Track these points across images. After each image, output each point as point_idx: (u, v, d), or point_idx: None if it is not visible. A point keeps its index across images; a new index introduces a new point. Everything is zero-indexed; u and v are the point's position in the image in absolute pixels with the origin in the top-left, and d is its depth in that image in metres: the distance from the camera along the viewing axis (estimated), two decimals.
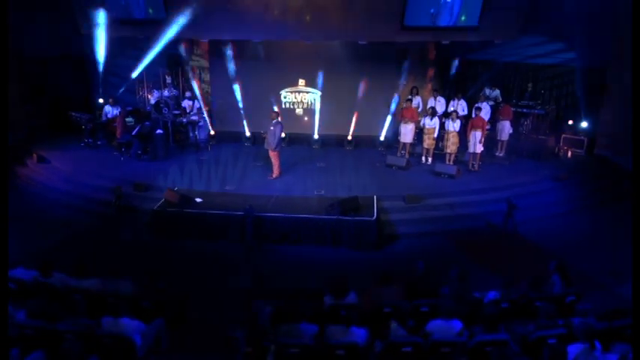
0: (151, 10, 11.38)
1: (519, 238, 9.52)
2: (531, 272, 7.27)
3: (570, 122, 13.35)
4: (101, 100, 14.61)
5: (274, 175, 11.39)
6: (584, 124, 13.01)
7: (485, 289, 6.56)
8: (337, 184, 11.01)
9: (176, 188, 10.34)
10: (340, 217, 9.13)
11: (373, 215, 9.22)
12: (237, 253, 9.06)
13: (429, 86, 14.32)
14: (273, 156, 11.22)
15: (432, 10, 10.54)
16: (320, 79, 13.72)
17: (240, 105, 13.93)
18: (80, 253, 8.60)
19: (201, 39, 12.85)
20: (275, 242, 9.37)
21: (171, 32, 11.36)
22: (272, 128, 10.96)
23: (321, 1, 10.58)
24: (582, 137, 13.08)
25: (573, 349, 4.65)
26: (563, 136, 13.30)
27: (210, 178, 11.34)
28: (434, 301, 5.93)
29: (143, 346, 5.34)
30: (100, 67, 14.05)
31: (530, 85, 13.77)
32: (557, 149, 13.18)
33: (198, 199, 9.81)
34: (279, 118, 11.21)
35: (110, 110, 13.70)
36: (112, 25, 11.86)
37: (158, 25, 11.55)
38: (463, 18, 10.73)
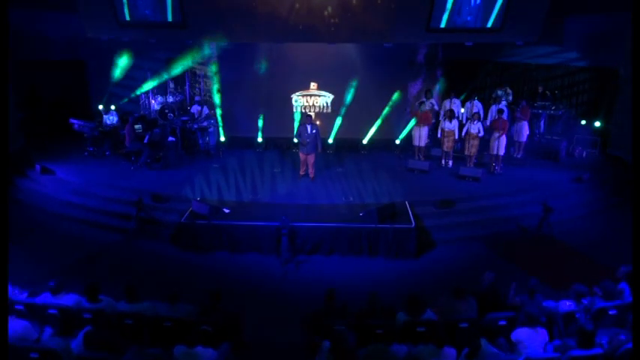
0: (165, 13, 10.82)
1: (556, 242, 9.40)
2: (580, 278, 7.16)
3: (583, 122, 13.40)
4: (101, 107, 13.97)
5: (312, 176, 11.43)
6: (597, 124, 13.07)
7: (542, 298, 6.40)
8: (361, 190, 10.73)
9: (198, 199, 9.88)
10: (378, 225, 8.84)
11: (412, 222, 8.96)
12: (270, 266, 8.68)
13: (437, 88, 14.22)
14: (313, 158, 11.25)
15: (457, 12, 10.36)
16: (332, 82, 13.48)
17: (251, 110, 13.51)
18: (108, 271, 8.17)
19: (218, 43, 12.36)
20: (309, 253, 9.02)
21: (186, 36, 10.84)
22: (314, 131, 10.94)
23: (347, 3, 10.27)
24: (596, 137, 13.13)
25: None
26: (577, 136, 13.33)
27: (229, 187, 10.87)
28: (512, 314, 5.71)
29: None
30: (100, 73, 13.49)
31: (541, 86, 13.77)
32: (570, 149, 13.20)
33: (226, 210, 9.38)
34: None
35: (108, 117, 13.12)
36: (121, 28, 11.25)
37: (172, 29, 11.03)
38: (487, 19, 10.59)
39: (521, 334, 5.12)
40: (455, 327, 5.57)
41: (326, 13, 10.32)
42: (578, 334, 4.96)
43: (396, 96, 13.27)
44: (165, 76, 13.35)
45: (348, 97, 13.38)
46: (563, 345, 5.10)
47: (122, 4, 10.76)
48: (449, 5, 10.25)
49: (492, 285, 6.12)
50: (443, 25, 10.50)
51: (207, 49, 12.70)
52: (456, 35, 10.92)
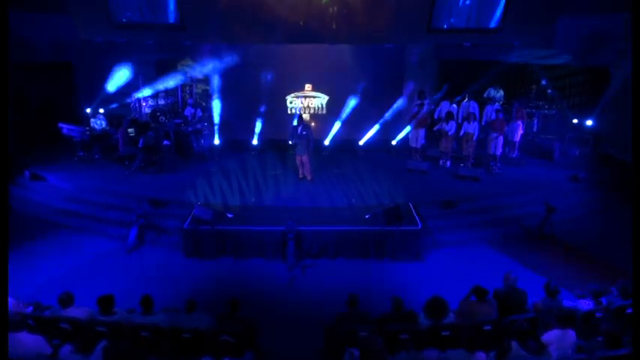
0: (161, 14, 10.57)
1: (559, 241, 9.45)
2: (588, 277, 7.22)
3: (575, 121, 13.57)
4: (89, 111, 13.60)
5: (310, 178, 11.30)
6: (589, 123, 13.25)
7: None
8: (362, 192, 10.67)
9: (199, 203, 9.67)
10: (385, 227, 8.77)
11: (418, 224, 8.92)
12: (276, 271, 8.53)
13: (431, 87, 14.26)
14: (307, 159, 11.12)
15: (458, 12, 10.39)
16: (328, 84, 13.38)
17: (246, 112, 13.32)
18: (110, 280, 7.92)
19: (215, 44, 12.15)
20: (314, 257, 8.90)
21: (183, 37, 10.61)
22: (305, 133, 10.83)
23: (348, 4, 10.19)
24: (588, 136, 13.31)
25: None
26: (569, 135, 13.50)
27: (228, 191, 10.68)
28: (532, 315, 5.70)
29: None
30: (88, 75, 13.12)
31: (534, 85, 13.92)
32: (564, 148, 13.35)
33: (229, 214, 9.20)
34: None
35: (95, 122, 12.79)
36: (116, 30, 10.94)
37: (170, 31, 10.79)
38: (487, 19, 10.66)
39: (551, 335, 5.09)
40: (479, 330, 5.54)
41: (326, 12, 10.21)
42: (605, 335, 4.96)
43: (397, 103, 13.26)
44: (158, 82, 13.04)
45: (344, 98, 13.29)
46: (590, 346, 5.10)
47: (116, 5, 10.48)
48: (451, 5, 10.25)
49: (514, 286, 6.09)
50: (444, 25, 10.50)
51: (204, 51, 12.47)
52: (456, 36, 10.95)
